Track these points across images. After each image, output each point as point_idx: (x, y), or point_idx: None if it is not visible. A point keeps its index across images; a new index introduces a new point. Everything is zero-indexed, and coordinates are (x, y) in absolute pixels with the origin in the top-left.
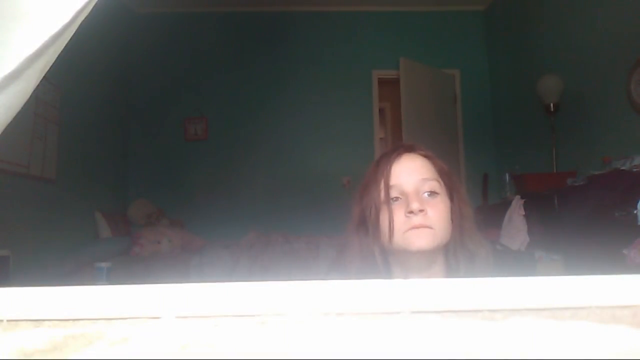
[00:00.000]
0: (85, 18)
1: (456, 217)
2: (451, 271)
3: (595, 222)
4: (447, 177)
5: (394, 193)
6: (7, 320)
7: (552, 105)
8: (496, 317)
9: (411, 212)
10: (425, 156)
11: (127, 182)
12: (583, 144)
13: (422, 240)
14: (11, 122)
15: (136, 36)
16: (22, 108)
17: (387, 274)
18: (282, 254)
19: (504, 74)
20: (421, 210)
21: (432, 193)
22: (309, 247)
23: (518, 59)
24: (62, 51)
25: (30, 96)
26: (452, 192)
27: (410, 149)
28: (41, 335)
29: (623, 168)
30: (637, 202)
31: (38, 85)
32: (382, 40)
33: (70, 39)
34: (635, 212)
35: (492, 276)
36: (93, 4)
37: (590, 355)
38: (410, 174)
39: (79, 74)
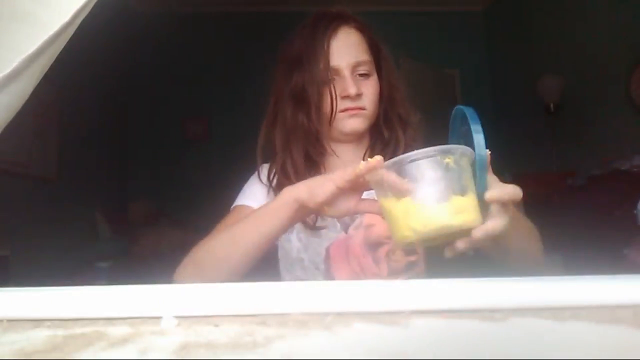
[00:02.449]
0: (85, 17)
1: (386, 90)
2: (384, 144)
3: (595, 222)
4: (377, 50)
5: (331, 74)
6: (7, 320)
7: (552, 105)
8: (496, 317)
9: (347, 96)
10: (359, 29)
11: (127, 182)
12: (583, 144)
13: (355, 122)
14: (11, 122)
15: (137, 35)
16: (22, 108)
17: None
18: None
19: (504, 74)
20: (358, 95)
21: (365, 74)
22: None
23: (518, 59)
24: (62, 51)
25: (30, 96)
26: (380, 67)
27: (344, 19)
28: (41, 335)
29: (623, 168)
30: (637, 202)
31: (38, 85)
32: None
33: (71, 38)
34: (635, 212)
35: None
36: (93, 3)
37: (590, 355)
38: (347, 53)
39: (79, 74)
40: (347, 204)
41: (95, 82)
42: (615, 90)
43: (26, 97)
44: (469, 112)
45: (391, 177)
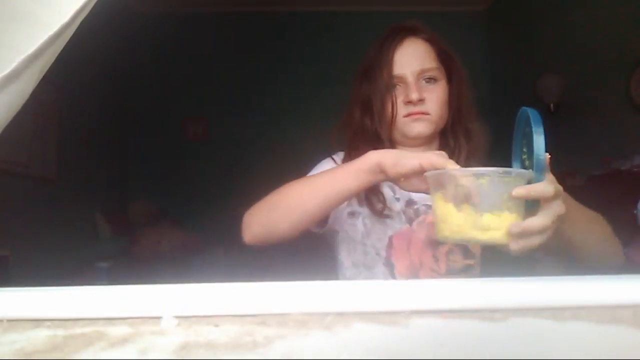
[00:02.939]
0: (85, 17)
1: (454, 100)
2: (449, 151)
3: None
4: (447, 60)
5: (394, 82)
6: (7, 320)
7: (552, 105)
8: (496, 317)
9: (410, 101)
10: (427, 40)
11: (127, 182)
12: (583, 144)
13: (420, 126)
14: (11, 122)
15: (137, 35)
16: (22, 108)
17: None
18: (282, 254)
19: (504, 74)
20: (420, 100)
21: (431, 80)
22: (309, 247)
23: (518, 59)
24: (62, 51)
25: (30, 96)
26: (451, 75)
27: (412, 31)
28: (41, 335)
29: (623, 168)
30: (637, 202)
31: (38, 85)
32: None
33: (70, 38)
34: (635, 212)
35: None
36: (93, 3)
37: (590, 355)
38: (411, 62)
39: (79, 74)
40: (420, 184)
41: (95, 82)
42: (615, 90)
43: (26, 97)
44: (532, 114)
45: (467, 180)
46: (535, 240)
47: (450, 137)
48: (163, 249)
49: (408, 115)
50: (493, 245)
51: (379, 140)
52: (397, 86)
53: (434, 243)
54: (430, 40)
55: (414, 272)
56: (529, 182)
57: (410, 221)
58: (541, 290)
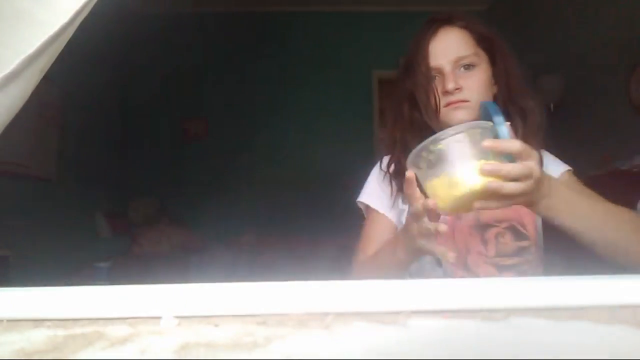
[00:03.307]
0: (85, 18)
1: (502, 78)
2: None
3: None
4: (489, 42)
5: (432, 73)
6: (7, 320)
7: (552, 105)
8: (496, 317)
9: (447, 91)
10: (464, 27)
11: (127, 182)
12: (583, 144)
13: (460, 114)
14: (11, 122)
15: (136, 36)
16: (22, 108)
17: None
18: (282, 254)
19: None
20: (457, 89)
21: (469, 66)
22: (309, 246)
23: (518, 59)
24: (62, 51)
25: (30, 96)
26: (494, 56)
27: (447, 21)
28: (41, 335)
29: (623, 168)
30: (637, 202)
31: (38, 85)
32: (382, 40)
33: (70, 38)
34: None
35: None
36: (93, 3)
37: (590, 355)
38: (446, 52)
39: (79, 74)
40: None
41: (95, 82)
42: (615, 90)
43: (26, 97)
44: (488, 104)
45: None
46: (510, 187)
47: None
48: (163, 248)
49: (448, 104)
50: (473, 196)
51: (430, 133)
52: (437, 77)
53: (483, 227)
54: (467, 27)
55: (461, 258)
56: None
57: None
58: (541, 290)
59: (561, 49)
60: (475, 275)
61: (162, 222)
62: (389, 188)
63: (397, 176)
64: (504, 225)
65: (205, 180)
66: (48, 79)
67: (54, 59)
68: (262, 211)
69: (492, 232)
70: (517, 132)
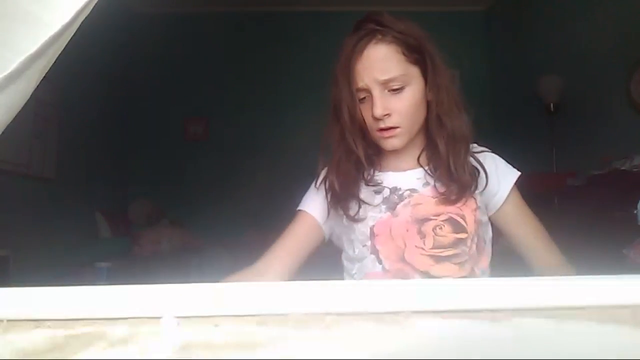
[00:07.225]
0: (85, 18)
1: (434, 93)
2: (432, 149)
3: (595, 222)
4: (418, 52)
5: (360, 95)
6: (7, 320)
7: (552, 105)
8: (496, 317)
9: (376, 118)
10: (392, 40)
11: (127, 182)
12: (583, 144)
13: (392, 142)
14: (11, 122)
15: (136, 36)
16: (22, 108)
17: (369, 160)
18: None
19: (504, 74)
20: (386, 115)
21: (398, 89)
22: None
23: (518, 59)
24: (62, 51)
25: (31, 96)
26: (425, 69)
27: (373, 35)
28: (41, 335)
29: (623, 168)
30: (637, 202)
31: (38, 85)
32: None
33: (71, 38)
34: (635, 212)
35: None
36: (94, 3)
37: (590, 355)
38: (374, 72)
39: (79, 74)
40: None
41: (95, 82)
42: (615, 90)
43: (26, 97)
44: None
45: None
46: None
47: (434, 129)
48: (163, 249)
49: (379, 130)
50: None
51: (358, 159)
52: (365, 97)
53: (421, 221)
54: (396, 40)
55: (399, 254)
56: None
57: (394, 206)
58: (541, 290)
59: (561, 49)
60: (412, 267)
61: (162, 222)
62: (325, 201)
63: (332, 189)
64: (442, 218)
65: (205, 181)
66: (48, 79)
67: (54, 58)
68: (262, 211)
69: (430, 225)
70: (446, 144)
